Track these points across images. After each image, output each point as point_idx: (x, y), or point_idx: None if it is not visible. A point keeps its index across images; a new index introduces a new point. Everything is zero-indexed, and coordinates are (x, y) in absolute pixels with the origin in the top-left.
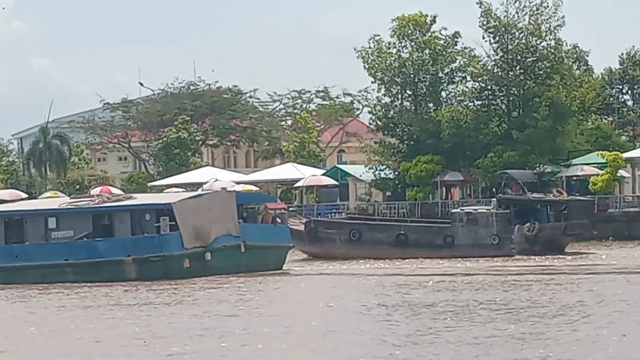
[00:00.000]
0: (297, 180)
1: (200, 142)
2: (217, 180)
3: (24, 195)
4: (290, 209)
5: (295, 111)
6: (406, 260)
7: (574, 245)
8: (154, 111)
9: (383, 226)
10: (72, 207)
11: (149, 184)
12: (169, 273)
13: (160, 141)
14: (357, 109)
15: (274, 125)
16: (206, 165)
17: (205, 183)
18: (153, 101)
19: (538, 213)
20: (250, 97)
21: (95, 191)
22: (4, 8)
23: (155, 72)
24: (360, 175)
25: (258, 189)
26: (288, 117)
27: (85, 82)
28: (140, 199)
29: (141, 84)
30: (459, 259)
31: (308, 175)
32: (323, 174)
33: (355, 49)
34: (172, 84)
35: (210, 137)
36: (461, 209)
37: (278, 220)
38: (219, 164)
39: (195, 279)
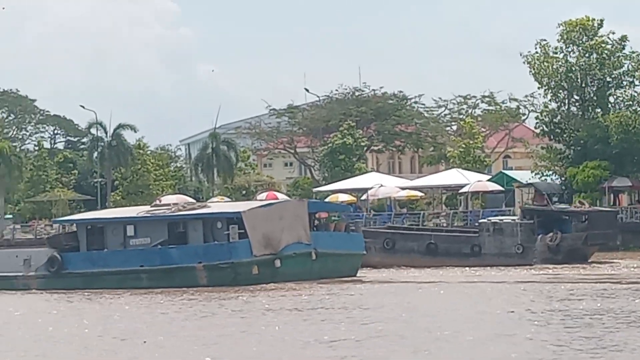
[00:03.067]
0: (462, 186)
1: (365, 148)
2: (382, 185)
3: (192, 201)
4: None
5: (461, 116)
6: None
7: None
8: (320, 117)
9: (415, 235)
10: (149, 215)
11: (314, 190)
12: (237, 279)
13: (326, 147)
14: (523, 114)
15: (439, 131)
16: (371, 171)
17: (370, 189)
18: (318, 107)
19: (561, 223)
20: (416, 102)
21: (261, 197)
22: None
23: (321, 78)
24: (527, 181)
25: (423, 194)
26: (453, 123)
27: (251, 88)
28: (213, 207)
29: (307, 90)
30: (486, 268)
31: (473, 180)
32: (488, 180)
33: (521, 54)
34: (337, 90)
35: (375, 142)
36: (488, 219)
37: (352, 228)
38: (383, 169)
39: (327, 286)
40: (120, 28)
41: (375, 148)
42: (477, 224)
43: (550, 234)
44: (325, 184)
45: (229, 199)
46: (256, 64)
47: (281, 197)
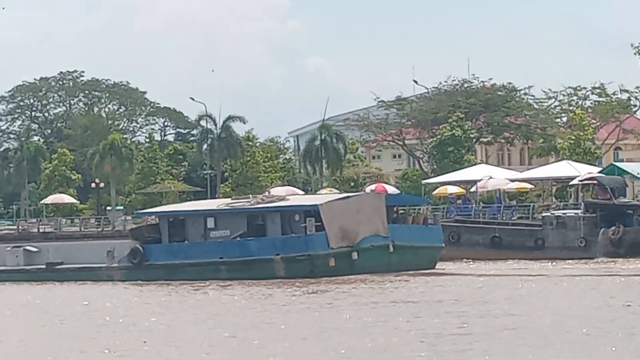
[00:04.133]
0: (572, 178)
1: (474, 140)
2: (491, 177)
3: (300, 192)
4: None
5: (571, 108)
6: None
7: None
8: (428, 109)
9: (480, 229)
10: (229, 208)
11: (423, 182)
12: (314, 272)
13: (435, 139)
14: (635, 106)
15: (549, 123)
16: (480, 163)
17: (479, 180)
18: (427, 99)
19: (624, 217)
20: (525, 94)
21: (369, 188)
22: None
23: (429, 70)
24: (638, 173)
25: (532, 186)
26: (563, 114)
27: (360, 80)
28: (292, 200)
29: (415, 82)
30: (549, 261)
31: (584, 172)
32: (599, 172)
33: (632, 45)
34: (446, 82)
35: (484, 134)
36: (551, 213)
37: (430, 221)
38: (492, 161)
39: (429, 278)
40: (229, 22)
41: (485, 140)
42: (540, 218)
43: (613, 227)
44: (434, 176)
45: (338, 191)
46: (365, 57)
47: (390, 189)
